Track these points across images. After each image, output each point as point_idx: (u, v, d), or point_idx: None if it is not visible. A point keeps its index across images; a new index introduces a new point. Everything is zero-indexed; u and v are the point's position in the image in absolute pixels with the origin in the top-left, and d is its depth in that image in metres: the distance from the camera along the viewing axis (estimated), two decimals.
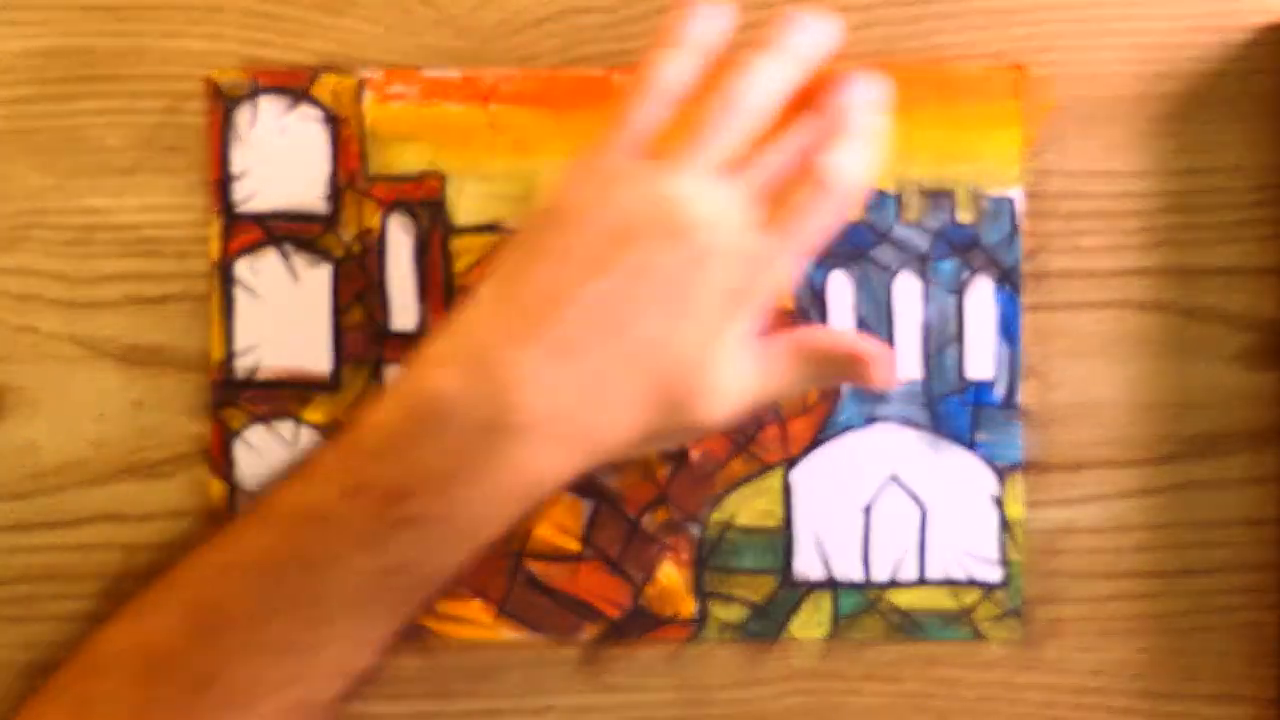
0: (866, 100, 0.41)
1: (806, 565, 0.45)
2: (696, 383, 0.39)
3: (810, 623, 0.45)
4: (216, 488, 0.45)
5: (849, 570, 0.45)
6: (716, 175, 0.39)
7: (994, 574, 0.45)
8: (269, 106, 0.45)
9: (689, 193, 0.39)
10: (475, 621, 0.45)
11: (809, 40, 0.41)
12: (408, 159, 0.45)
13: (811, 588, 0.45)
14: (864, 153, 0.40)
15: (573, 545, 0.45)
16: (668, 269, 0.38)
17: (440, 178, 0.45)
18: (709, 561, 0.45)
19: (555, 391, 0.37)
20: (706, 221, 0.38)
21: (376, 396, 0.38)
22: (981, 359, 0.45)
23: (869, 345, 0.41)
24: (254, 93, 0.45)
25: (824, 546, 0.45)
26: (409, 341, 0.45)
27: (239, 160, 0.45)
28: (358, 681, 0.39)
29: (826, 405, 0.45)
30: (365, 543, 0.37)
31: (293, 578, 0.37)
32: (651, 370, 0.38)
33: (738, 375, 0.40)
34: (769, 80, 0.40)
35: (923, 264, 0.45)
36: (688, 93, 0.40)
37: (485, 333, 0.38)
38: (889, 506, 0.45)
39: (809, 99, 0.41)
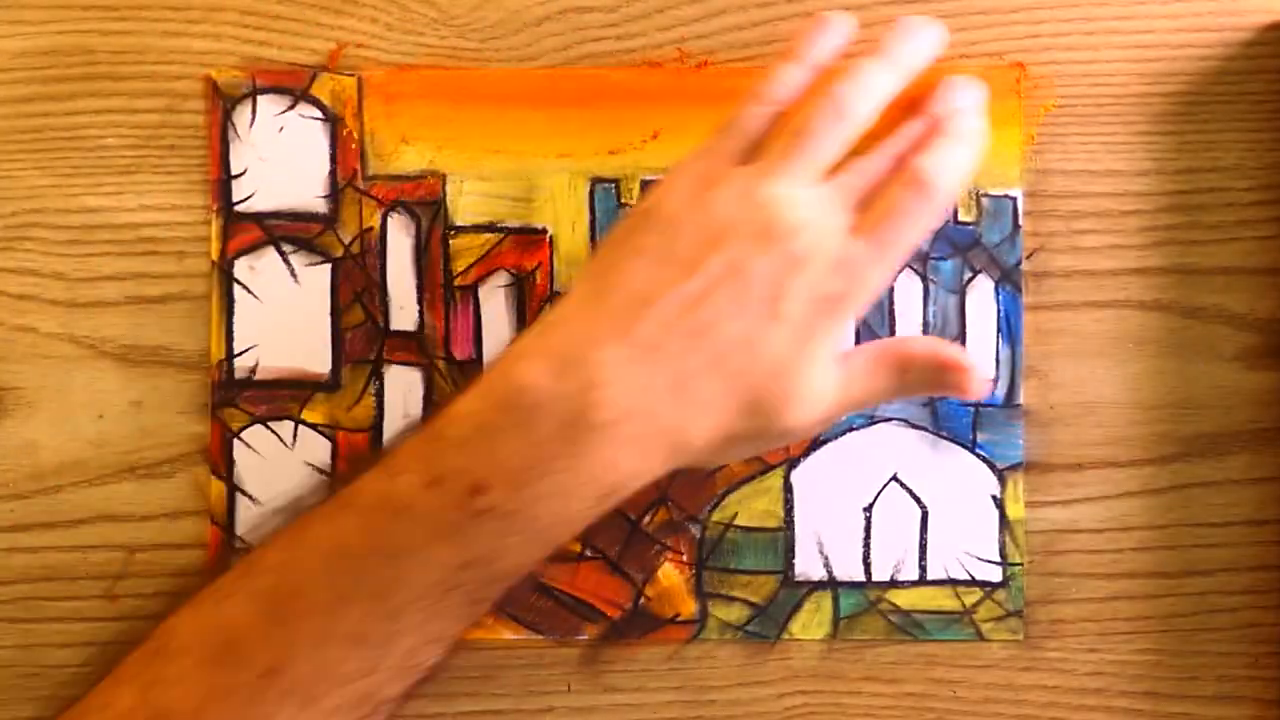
0: (964, 103, 0.41)
1: (807, 565, 0.45)
2: (784, 388, 0.38)
3: (810, 623, 0.45)
4: (216, 488, 0.45)
5: (850, 570, 0.45)
6: (816, 181, 0.39)
7: (995, 574, 0.45)
8: (268, 106, 0.45)
9: (787, 197, 0.39)
10: None
11: (916, 48, 0.41)
12: (407, 159, 0.45)
13: (812, 588, 0.45)
14: (961, 155, 0.40)
15: (573, 545, 0.45)
16: (762, 273, 0.38)
17: (440, 177, 0.45)
18: (709, 561, 0.45)
19: (641, 391, 0.37)
20: (804, 226, 0.38)
21: (463, 388, 0.38)
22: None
23: (963, 354, 0.41)
24: (253, 92, 0.45)
25: (824, 546, 0.45)
26: (409, 341, 0.45)
27: (238, 160, 0.45)
28: (422, 679, 0.39)
29: None
30: (445, 534, 0.37)
31: (371, 568, 0.37)
32: (739, 374, 0.38)
33: (826, 383, 0.39)
34: (875, 88, 0.40)
35: (923, 263, 0.45)
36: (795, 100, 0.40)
37: (574, 330, 0.38)
38: (890, 506, 0.45)
39: (905, 103, 0.41)
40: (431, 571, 0.37)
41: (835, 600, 0.45)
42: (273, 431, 0.45)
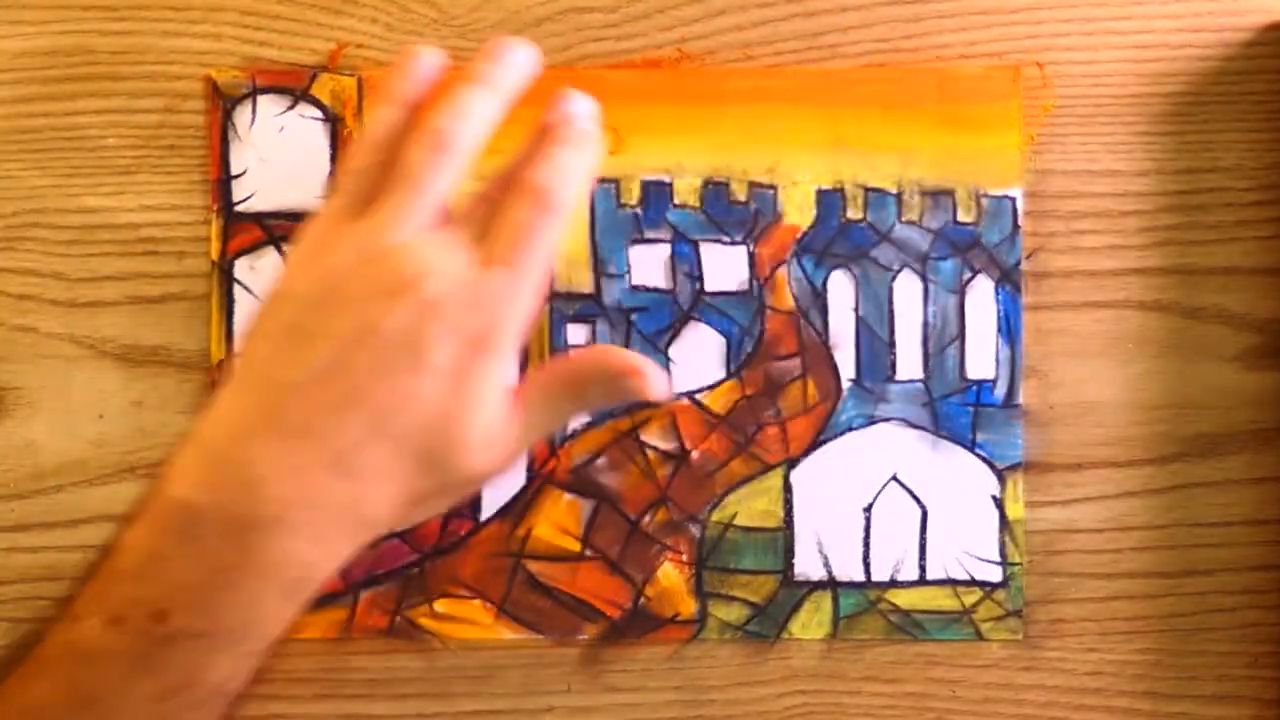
0: (574, 109, 0.40)
1: (807, 565, 0.45)
2: (453, 437, 0.37)
3: (810, 623, 0.45)
4: None
5: (849, 570, 0.45)
6: (432, 221, 0.38)
7: (994, 574, 0.45)
8: (268, 106, 0.45)
9: (405, 245, 0.37)
10: (475, 621, 0.45)
11: (510, 68, 0.40)
12: None
13: (812, 588, 0.45)
14: (575, 159, 0.39)
15: (573, 545, 0.45)
16: (396, 327, 0.36)
17: None
18: (709, 561, 0.45)
19: (301, 476, 0.36)
20: (428, 271, 0.37)
21: (129, 518, 0.37)
22: (982, 359, 0.45)
23: (631, 357, 0.39)
24: (253, 92, 0.45)
25: (824, 546, 0.45)
26: None
27: (238, 160, 0.45)
28: None
29: (827, 405, 0.45)
30: (137, 670, 0.36)
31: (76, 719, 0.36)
32: (402, 434, 0.37)
33: (498, 421, 0.38)
34: (475, 114, 0.38)
35: (923, 264, 0.45)
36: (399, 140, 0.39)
37: (222, 430, 0.37)
38: (889, 506, 0.45)
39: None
40: (137, 709, 0.36)
41: (835, 600, 0.45)
42: None
